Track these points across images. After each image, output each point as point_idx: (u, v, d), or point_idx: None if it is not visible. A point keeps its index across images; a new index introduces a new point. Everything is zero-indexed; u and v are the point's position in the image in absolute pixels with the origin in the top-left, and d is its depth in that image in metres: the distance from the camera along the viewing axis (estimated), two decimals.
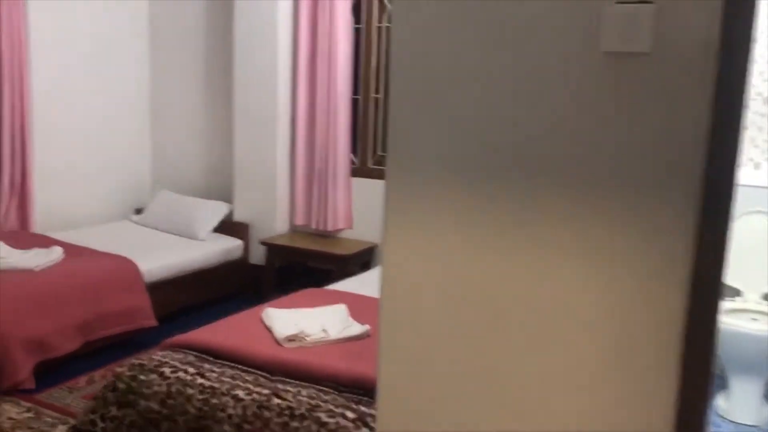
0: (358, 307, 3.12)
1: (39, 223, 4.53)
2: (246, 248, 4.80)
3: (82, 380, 3.38)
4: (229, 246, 4.66)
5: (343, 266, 4.31)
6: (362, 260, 4.51)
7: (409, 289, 1.49)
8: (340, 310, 3.04)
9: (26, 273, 3.48)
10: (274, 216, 4.74)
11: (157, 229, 4.84)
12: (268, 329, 2.84)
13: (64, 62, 4.66)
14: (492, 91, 1.38)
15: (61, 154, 4.72)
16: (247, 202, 4.82)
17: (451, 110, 1.43)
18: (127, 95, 5.18)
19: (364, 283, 3.65)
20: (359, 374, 2.36)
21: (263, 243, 4.56)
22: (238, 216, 4.86)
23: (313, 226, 4.66)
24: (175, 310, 4.21)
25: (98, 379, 3.40)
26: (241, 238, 4.78)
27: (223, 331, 2.80)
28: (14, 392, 3.13)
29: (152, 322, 3.83)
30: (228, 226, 4.82)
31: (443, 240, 1.45)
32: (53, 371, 3.39)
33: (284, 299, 3.32)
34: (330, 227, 4.61)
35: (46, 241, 4.06)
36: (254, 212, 4.80)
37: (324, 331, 2.80)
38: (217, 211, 4.80)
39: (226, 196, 4.97)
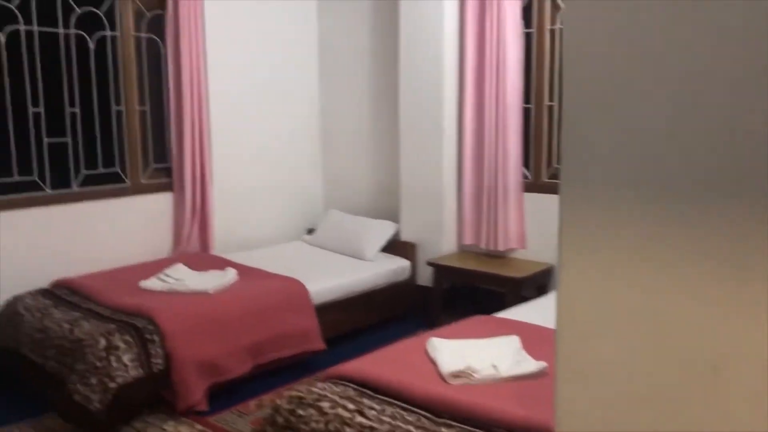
0: (534, 339, 2.80)
1: (218, 245, 4.70)
2: (413, 269, 4.64)
3: (251, 404, 3.38)
4: (396, 266, 4.53)
5: (516, 290, 3.99)
6: (537, 283, 4.16)
7: (589, 322, 1.18)
8: (513, 342, 2.74)
9: (202, 295, 3.57)
10: (441, 235, 4.54)
11: (326, 249, 4.84)
12: (433, 362, 2.62)
13: (239, 88, 4.83)
14: (683, 99, 1.05)
15: (238, 177, 4.88)
16: (413, 221, 4.67)
17: (634, 119, 1.11)
18: (299, 117, 5.27)
19: (540, 311, 3.31)
20: (535, 423, 2.06)
21: (430, 264, 4.37)
22: (405, 235, 4.72)
23: (483, 246, 4.39)
24: (342, 332, 4.14)
25: (267, 403, 3.38)
26: (408, 258, 4.64)
27: (385, 363, 2.62)
28: (188, 414, 3.19)
29: (321, 345, 3.78)
30: (395, 246, 4.70)
31: (632, 264, 1.13)
32: (224, 394, 3.43)
33: (451, 327, 3.08)
34: (501, 247, 4.31)
35: (221, 263, 4.18)
36: (421, 231, 4.63)
37: (494, 367, 2.52)
38: (384, 231, 4.70)
39: (394, 215, 4.86)
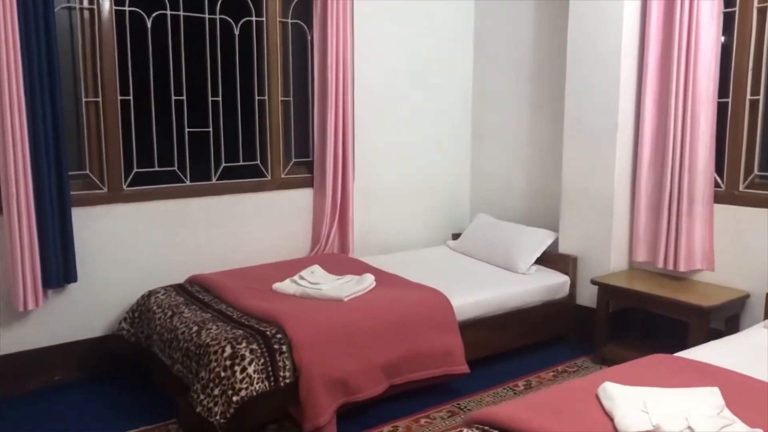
0: (737, 392, 2.19)
1: (357, 247, 4.39)
2: (573, 286, 4.06)
3: (385, 429, 3.01)
4: (553, 282, 3.98)
5: (702, 321, 3.30)
6: (727, 314, 3.44)
7: None
8: (712, 396, 2.14)
9: (335, 303, 3.24)
10: (608, 249, 3.92)
11: (473, 257, 4.38)
12: (607, 414, 2.08)
13: (387, 81, 4.48)
14: None
15: (380, 175, 4.55)
16: (575, 231, 4.08)
17: None
18: (448, 114, 4.85)
19: (740, 353, 2.65)
20: None
21: (595, 282, 3.77)
22: (565, 247, 4.14)
23: (660, 265, 3.73)
24: (488, 354, 3.67)
25: (403, 429, 3.00)
26: (566, 273, 4.06)
27: (546, 410, 2.12)
28: None
29: (464, 368, 3.33)
30: (552, 259, 4.15)
31: None
32: (354, 416, 3.08)
33: (624, 368, 2.51)
34: (683, 267, 3.63)
35: (360, 267, 3.85)
36: (584, 243, 4.04)
37: (690, 429, 1.95)
38: (540, 241, 4.16)
39: (552, 224, 4.31)
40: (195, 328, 3.03)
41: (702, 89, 3.50)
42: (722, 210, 3.59)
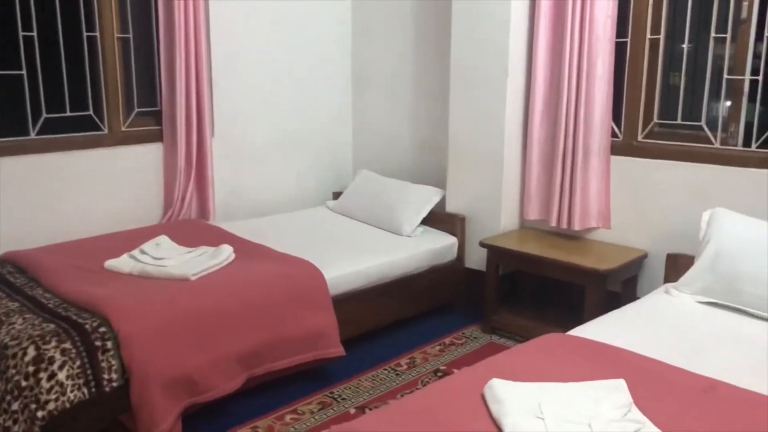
0: (644, 379, 1.86)
1: (221, 211, 3.82)
2: (461, 248, 3.68)
3: (242, 431, 2.53)
4: (440, 245, 3.58)
5: (599, 285, 3.00)
6: (624, 276, 3.16)
7: None
8: (617, 391, 1.78)
9: (180, 284, 2.68)
10: (498, 207, 3.55)
11: (355, 218, 3.91)
12: (495, 422, 1.68)
13: (249, 19, 3.85)
14: None
15: (246, 128, 3.96)
16: (463, 188, 3.68)
17: None
18: (324, 58, 4.28)
19: (644, 326, 2.34)
20: None
21: (484, 244, 3.40)
22: (453, 206, 3.75)
23: (553, 224, 3.40)
24: (368, 329, 3.24)
25: (263, 430, 2.52)
26: (454, 234, 3.67)
27: (419, 420, 1.69)
28: None
29: (338, 350, 2.88)
30: (439, 219, 3.74)
31: None
32: (204, 417, 2.58)
33: (515, 353, 2.13)
34: (577, 226, 3.31)
35: (218, 237, 3.29)
36: (473, 201, 3.65)
37: None
38: (426, 199, 3.74)
39: (440, 181, 3.89)
40: None
41: (599, 28, 3.13)
42: (619, 162, 3.28)
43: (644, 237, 3.23)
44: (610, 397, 1.74)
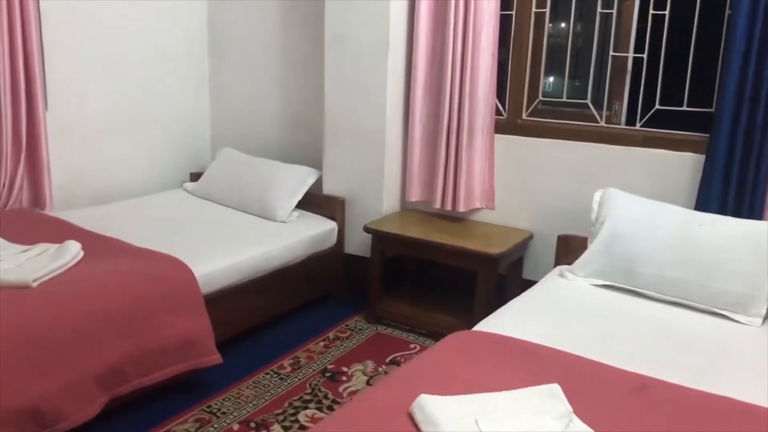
0: (575, 379, 1.73)
1: (59, 199, 3.26)
2: (341, 233, 3.43)
3: None
4: (318, 230, 3.30)
5: (490, 269, 2.89)
6: (512, 259, 3.08)
7: None
8: (552, 398, 1.63)
9: (17, 292, 2.19)
10: (380, 189, 3.33)
11: (219, 203, 3.52)
12: None
13: None
14: None
15: (86, 102, 3.41)
16: (342, 167, 3.42)
17: None
18: (177, 22, 3.79)
19: (554, 315, 2.24)
20: None
21: (369, 230, 3.17)
22: (330, 188, 3.47)
23: (437, 206, 3.24)
24: (243, 328, 2.91)
25: None
26: (334, 219, 3.41)
27: None
28: None
29: (214, 358, 2.53)
30: (316, 202, 3.46)
31: None
32: None
33: (430, 359, 1.92)
34: (462, 207, 3.18)
35: (60, 230, 2.79)
36: (352, 182, 3.40)
37: None
38: (301, 181, 3.44)
39: (314, 160, 3.59)
40: None
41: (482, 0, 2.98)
42: (502, 141, 3.18)
43: (529, 218, 3.16)
44: (548, 407, 1.58)
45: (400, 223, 3.25)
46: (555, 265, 2.84)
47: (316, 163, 3.56)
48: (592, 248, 2.59)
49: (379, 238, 3.14)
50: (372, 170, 3.32)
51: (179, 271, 2.55)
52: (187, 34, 3.85)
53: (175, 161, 3.92)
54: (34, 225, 2.86)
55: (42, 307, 2.15)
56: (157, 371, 2.36)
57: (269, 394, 2.56)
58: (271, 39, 3.76)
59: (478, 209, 3.26)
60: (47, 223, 2.91)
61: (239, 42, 3.88)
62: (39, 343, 2.06)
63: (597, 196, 2.72)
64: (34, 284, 2.24)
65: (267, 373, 2.72)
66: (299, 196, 3.41)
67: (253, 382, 2.64)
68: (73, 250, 2.48)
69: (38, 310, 2.13)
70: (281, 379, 2.68)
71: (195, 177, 3.88)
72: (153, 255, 2.62)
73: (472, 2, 2.97)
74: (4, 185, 3.00)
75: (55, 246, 2.54)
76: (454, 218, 3.30)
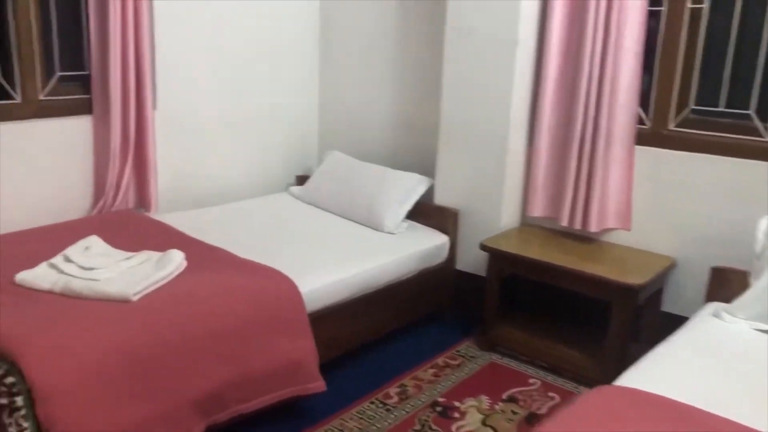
0: None
1: (163, 200, 3.16)
2: (452, 248, 3.15)
3: None
4: (429, 245, 3.04)
5: (628, 302, 2.53)
6: (651, 290, 2.70)
7: None
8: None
9: (117, 306, 2.06)
10: (499, 201, 3.03)
11: (325, 209, 3.33)
12: None
13: None
14: None
15: (194, 98, 3.29)
16: (456, 176, 3.15)
17: None
18: (288, 19, 3.62)
19: (721, 370, 1.88)
20: None
21: (486, 248, 2.87)
22: (443, 198, 3.21)
23: (564, 223, 2.91)
24: (345, 350, 2.68)
25: None
26: (446, 232, 3.14)
27: None
28: None
29: (318, 385, 2.33)
30: (426, 213, 3.20)
31: None
32: None
33: (570, 417, 1.62)
34: (594, 227, 2.83)
35: (163, 235, 2.67)
36: (468, 193, 3.12)
37: None
38: (411, 189, 3.19)
39: (426, 167, 3.33)
40: None
41: None
42: (643, 153, 2.80)
43: (671, 242, 2.77)
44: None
45: (520, 241, 2.94)
46: (706, 301, 2.45)
47: (427, 170, 3.30)
48: (758, 286, 2.20)
49: (498, 257, 2.84)
50: (490, 180, 3.03)
51: (285, 287, 2.36)
52: (298, 31, 3.67)
53: (281, 163, 3.77)
54: (137, 228, 2.76)
55: (142, 325, 2.00)
56: (257, 397, 2.18)
57: (375, 427, 2.33)
58: (386, 36, 3.52)
59: (611, 229, 2.90)
60: (150, 226, 2.81)
61: (352, 39, 3.67)
62: (137, 365, 1.91)
63: (763, 224, 2.31)
64: (135, 298, 2.10)
65: (372, 402, 2.49)
66: (409, 206, 3.16)
67: (358, 413, 2.42)
68: (176, 261, 2.33)
69: (138, 328, 1.98)
70: (387, 410, 2.44)
71: (301, 180, 3.71)
72: (257, 268, 2.44)
73: None
74: (111, 185, 2.92)
75: (158, 254, 2.40)
76: (582, 238, 2.95)
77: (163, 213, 3.07)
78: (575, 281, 2.65)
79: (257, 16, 3.44)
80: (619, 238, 2.91)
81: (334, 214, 3.28)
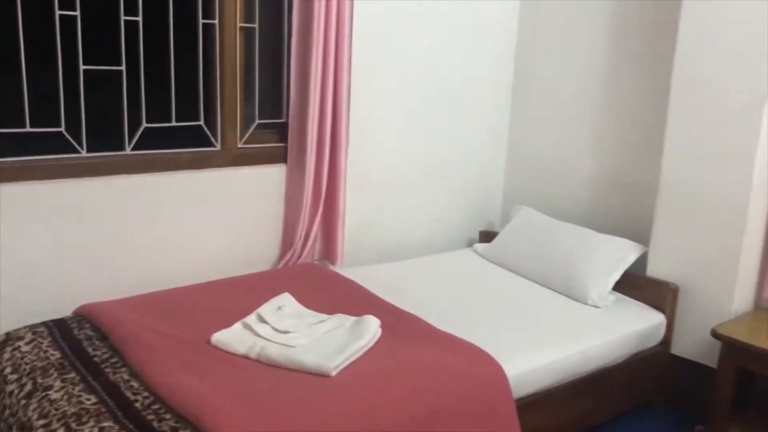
0: None
1: (347, 252, 3.01)
2: (668, 329, 2.73)
3: None
4: (643, 325, 2.64)
5: None
6: None
7: None
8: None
9: (315, 380, 1.87)
10: (733, 279, 2.58)
11: (514, 271, 3.03)
12: None
13: (393, 17, 3.02)
14: None
15: (383, 149, 3.14)
16: (676, 245, 2.73)
17: None
18: (485, 68, 3.40)
19: None
20: None
21: (718, 335, 2.43)
22: (658, 269, 2.79)
23: None
24: None
25: None
26: (662, 310, 2.72)
27: None
28: None
29: None
30: (636, 285, 2.80)
31: None
32: None
33: None
34: None
35: (350, 293, 2.49)
36: (690, 267, 2.69)
37: None
38: (621, 257, 2.82)
39: (635, 233, 2.94)
40: None
41: None
42: None
43: None
44: None
45: (748, 330, 2.46)
46: None
47: (637, 236, 2.91)
48: None
49: (735, 348, 2.39)
50: (722, 255, 2.58)
51: (491, 370, 2.08)
52: (490, 77, 3.45)
53: (463, 217, 3.53)
54: (325, 284, 2.61)
55: (343, 405, 1.79)
56: None
57: None
58: (592, 84, 3.20)
59: None
60: (338, 283, 2.64)
61: (550, 85, 3.39)
62: None
63: None
64: (334, 373, 1.90)
65: None
66: (617, 276, 2.79)
67: None
68: (371, 330, 2.14)
69: (339, 409, 1.77)
70: None
71: (484, 236, 3.44)
72: (458, 344, 2.18)
73: None
74: (300, 237, 2.80)
75: (351, 319, 2.22)
76: None
77: (347, 267, 2.91)
78: None
79: (447, 69, 3.25)
80: None
81: (526, 278, 2.97)
